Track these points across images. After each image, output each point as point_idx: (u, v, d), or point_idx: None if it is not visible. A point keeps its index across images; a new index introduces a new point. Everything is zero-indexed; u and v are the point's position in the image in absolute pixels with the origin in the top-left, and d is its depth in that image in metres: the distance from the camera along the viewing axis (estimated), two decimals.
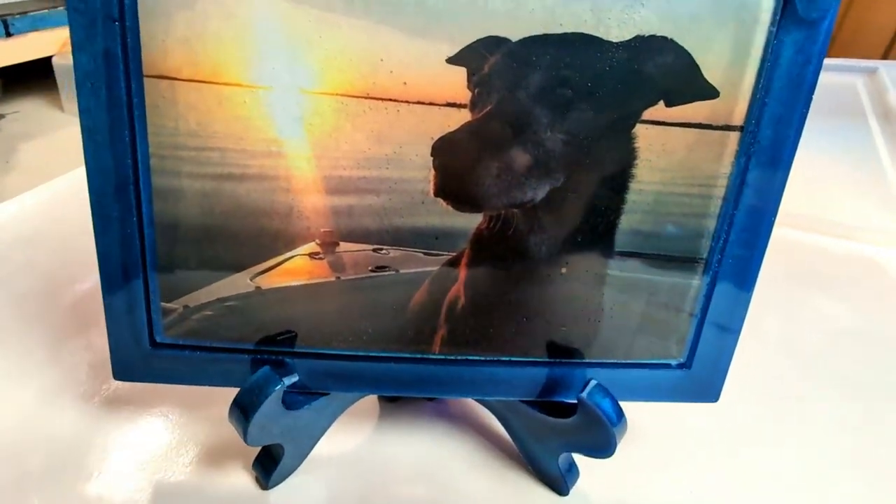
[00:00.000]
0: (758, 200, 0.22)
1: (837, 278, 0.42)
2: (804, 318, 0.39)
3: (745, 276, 0.24)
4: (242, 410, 0.23)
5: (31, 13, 0.70)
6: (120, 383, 0.30)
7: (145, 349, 0.24)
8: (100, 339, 0.33)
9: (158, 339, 0.24)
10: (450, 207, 0.22)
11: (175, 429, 0.29)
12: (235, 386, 0.24)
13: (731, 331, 0.25)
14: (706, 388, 0.26)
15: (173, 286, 0.23)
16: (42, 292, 0.37)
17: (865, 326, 0.38)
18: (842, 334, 0.38)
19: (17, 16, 0.68)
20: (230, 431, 0.24)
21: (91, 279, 0.37)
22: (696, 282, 0.24)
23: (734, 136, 0.21)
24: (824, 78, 0.66)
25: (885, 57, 1.22)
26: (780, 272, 0.42)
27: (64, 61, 0.73)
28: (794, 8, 0.20)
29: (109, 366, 0.24)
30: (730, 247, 0.23)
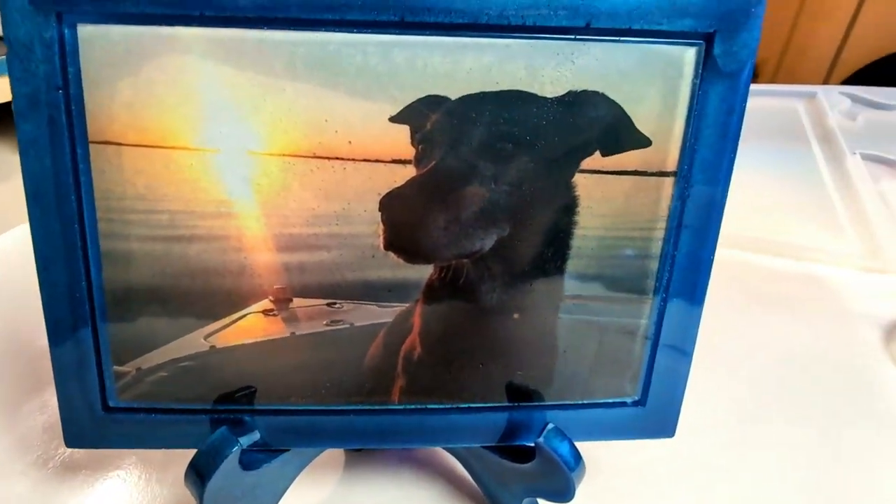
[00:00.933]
0: (696, 241, 0.23)
1: (787, 298, 0.44)
2: (757, 339, 0.40)
3: (691, 313, 0.25)
4: (199, 474, 0.23)
5: None
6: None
7: (98, 415, 0.24)
8: (54, 400, 0.32)
9: (112, 404, 0.24)
10: (401, 260, 0.22)
11: (134, 493, 0.28)
12: (195, 448, 0.23)
13: (681, 365, 0.25)
14: (662, 424, 0.26)
15: (125, 349, 0.23)
16: None
17: (816, 345, 0.40)
18: (793, 354, 0.39)
19: None
20: (188, 493, 0.24)
21: (44, 337, 0.36)
22: (643, 321, 0.25)
23: (669, 182, 0.22)
24: (767, 103, 0.69)
25: (826, 82, 1.28)
26: (732, 294, 0.43)
27: None
28: (715, 62, 0.21)
29: None
30: (673, 286, 0.24)
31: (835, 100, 0.62)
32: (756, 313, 0.42)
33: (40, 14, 0.19)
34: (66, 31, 0.19)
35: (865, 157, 0.56)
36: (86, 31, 0.19)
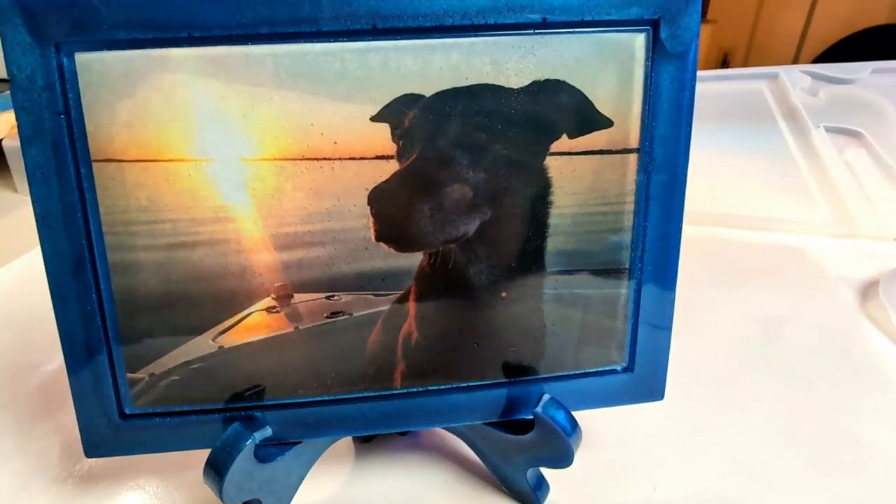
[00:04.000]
0: (664, 210, 0.25)
1: (765, 269, 0.46)
2: (739, 309, 0.42)
3: (667, 279, 0.26)
4: (216, 469, 0.24)
5: None
6: (92, 461, 0.31)
7: (115, 422, 0.25)
8: (68, 419, 0.33)
9: (128, 411, 0.25)
10: (392, 250, 0.24)
11: (153, 500, 0.29)
12: (209, 447, 0.25)
13: (663, 329, 0.27)
14: (651, 387, 0.28)
15: (138, 356, 0.24)
16: (7, 378, 0.37)
17: (795, 311, 0.42)
18: (774, 320, 0.41)
19: None
20: (208, 494, 0.25)
21: (56, 360, 0.37)
22: (623, 290, 0.26)
23: (633, 158, 0.24)
24: (734, 86, 0.72)
25: (794, 63, 1.33)
26: (712, 268, 0.45)
27: (14, 143, 0.73)
28: (663, 45, 0.23)
29: (80, 445, 0.25)
30: (648, 255, 0.26)
31: (796, 78, 0.65)
32: (736, 285, 0.44)
33: (40, 46, 0.21)
34: (64, 59, 0.21)
35: (829, 130, 0.58)
36: (83, 59, 0.21)
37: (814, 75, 0.65)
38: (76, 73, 0.21)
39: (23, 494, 0.29)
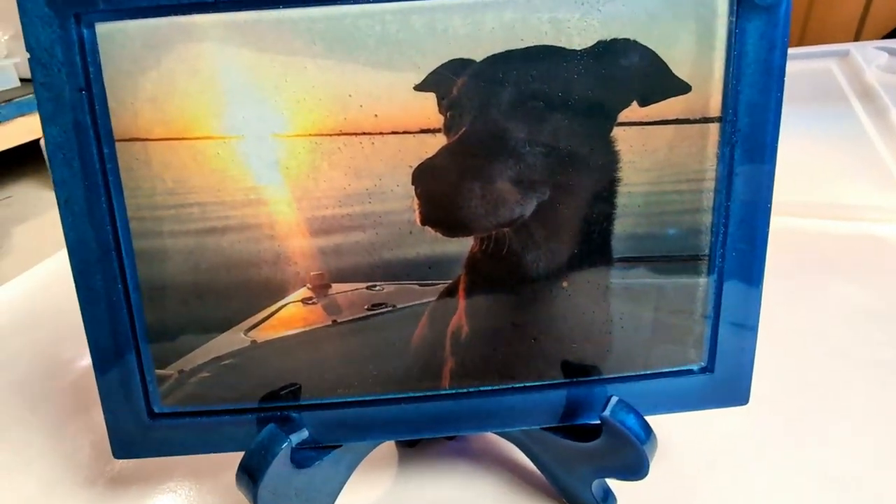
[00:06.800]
0: (750, 189, 0.22)
1: (848, 260, 0.41)
2: (821, 304, 0.38)
3: (752, 269, 0.23)
4: (250, 475, 0.22)
5: (16, 100, 0.71)
6: (124, 462, 0.29)
7: (144, 422, 0.23)
8: (99, 419, 0.32)
9: (157, 410, 0.23)
10: (439, 235, 0.21)
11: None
12: (243, 449, 0.23)
13: (748, 328, 0.24)
14: (734, 390, 0.25)
15: (166, 351, 0.23)
16: (41, 376, 0.36)
17: (883, 304, 0.37)
18: (861, 316, 0.36)
19: (3, 104, 0.70)
20: (243, 499, 0.23)
21: (86, 358, 0.36)
22: (702, 280, 0.23)
23: (714, 128, 0.21)
24: (799, 66, 0.67)
25: (856, 40, 1.24)
26: (790, 261, 0.41)
27: None
28: None
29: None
30: (731, 240, 0.23)
31: (871, 55, 0.59)
32: (818, 279, 0.40)
33: (59, 17, 0.19)
34: (84, 31, 0.19)
35: None
36: (104, 30, 0.19)
37: (891, 51, 0.60)
38: (97, 46, 0.19)
39: (54, 498, 0.28)
